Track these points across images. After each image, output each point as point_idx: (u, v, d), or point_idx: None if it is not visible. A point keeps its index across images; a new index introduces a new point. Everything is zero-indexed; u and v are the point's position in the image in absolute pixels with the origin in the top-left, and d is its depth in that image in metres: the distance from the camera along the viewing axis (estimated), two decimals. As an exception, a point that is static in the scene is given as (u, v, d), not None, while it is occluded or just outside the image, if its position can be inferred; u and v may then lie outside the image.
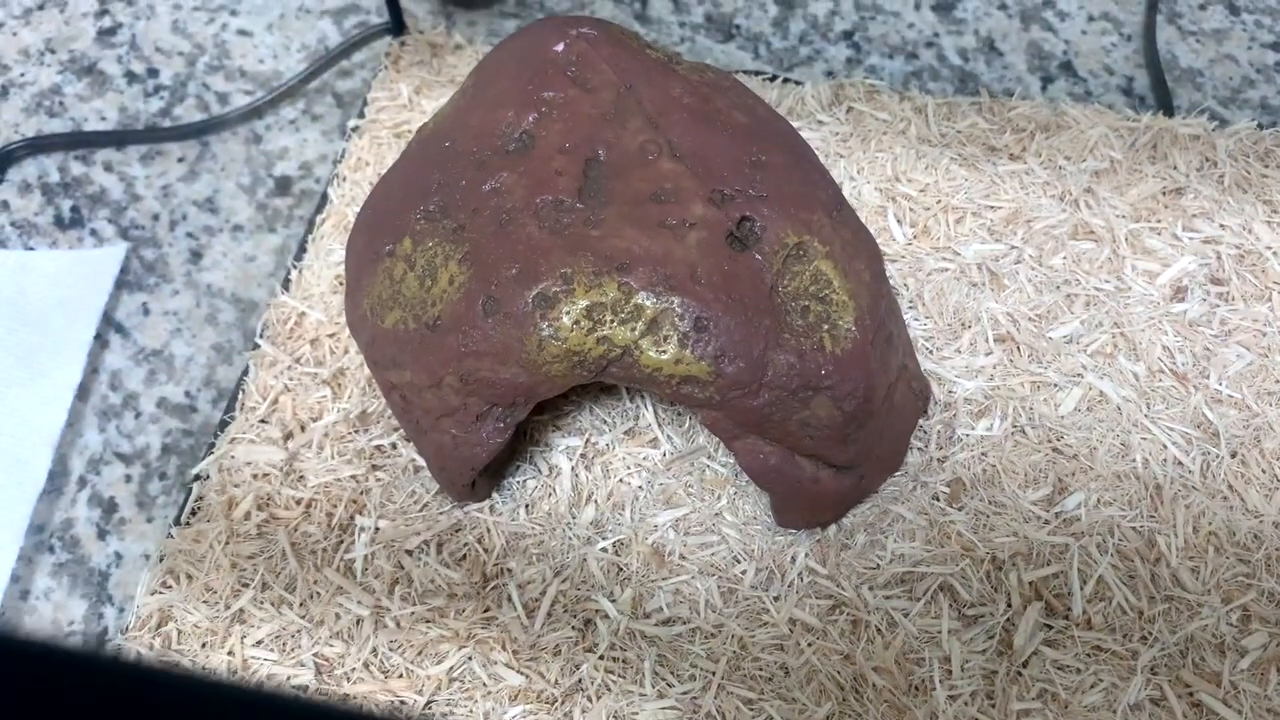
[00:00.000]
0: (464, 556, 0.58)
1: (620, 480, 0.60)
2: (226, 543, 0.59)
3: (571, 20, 0.59)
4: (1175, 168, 0.69)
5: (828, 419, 0.53)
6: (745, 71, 0.79)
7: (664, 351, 0.50)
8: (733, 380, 0.51)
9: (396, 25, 0.80)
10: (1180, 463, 0.59)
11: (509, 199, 0.53)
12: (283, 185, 0.81)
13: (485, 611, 0.56)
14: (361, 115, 0.77)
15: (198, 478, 0.62)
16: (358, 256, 0.57)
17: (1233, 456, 0.59)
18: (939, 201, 0.69)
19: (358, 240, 0.58)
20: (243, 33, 0.90)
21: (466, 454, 0.55)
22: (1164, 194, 0.68)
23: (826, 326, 0.52)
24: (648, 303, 0.50)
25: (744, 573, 0.57)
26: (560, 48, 0.57)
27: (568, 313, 0.50)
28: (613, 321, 0.50)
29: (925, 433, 0.61)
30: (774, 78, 0.76)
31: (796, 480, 0.55)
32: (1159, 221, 0.67)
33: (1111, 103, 0.84)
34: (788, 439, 0.54)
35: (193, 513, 0.60)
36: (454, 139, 0.57)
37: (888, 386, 0.55)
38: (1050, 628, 0.55)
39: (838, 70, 0.87)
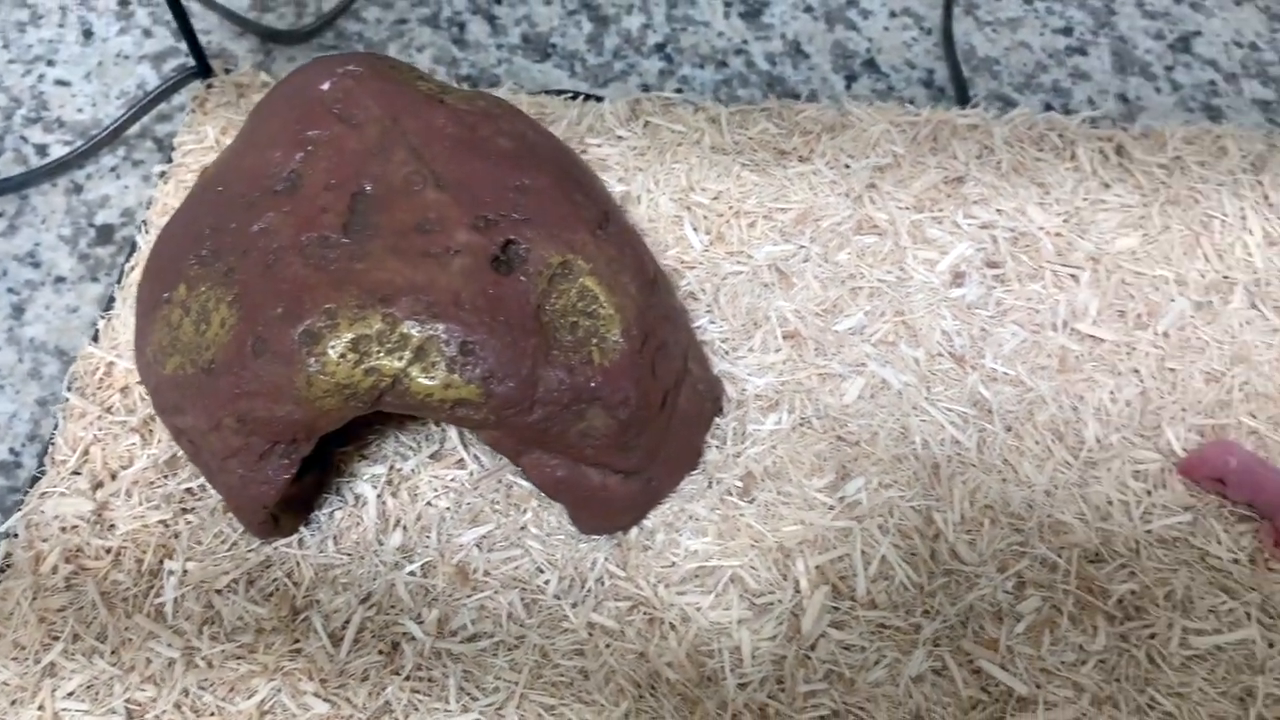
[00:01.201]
0: (273, 592, 0.59)
1: (428, 503, 0.61)
2: (34, 598, 0.59)
3: (338, 59, 0.60)
4: (955, 157, 0.72)
5: (605, 428, 0.55)
6: (551, 91, 0.81)
7: (433, 377, 0.52)
8: (504, 400, 0.52)
9: (202, 68, 0.81)
10: (957, 441, 0.62)
11: (276, 239, 0.54)
12: (104, 234, 0.81)
13: (294, 644, 0.57)
14: (169, 160, 0.78)
15: (5, 535, 0.62)
16: (142, 305, 0.58)
17: (1007, 431, 0.62)
18: (731, 208, 0.71)
19: (143, 289, 0.58)
20: (60, 82, 0.90)
21: (255, 493, 0.56)
22: (945, 184, 0.71)
23: (595, 340, 0.54)
24: (413, 331, 0.51)
25: (547, 582, 0.59)
26: (326, 86, 0.58)
27: (333, 347, 0.51)
28: (380, 352, 0.51)
29: (721, 431, 0.64)
30: (576, 96, 0.78)
31: (585, 489, 0.57)
32: (940, 211, 0.70)
33: (913, 96, 0.88)
34: (570, 450, 0.56)
35: (0, 571, 0.60)
36: (226, 182, 0.58)
37: (664, 392, 0.57)
38: (837, 609, 0.57)
39: (651, 83, 0.89)
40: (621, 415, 0.55)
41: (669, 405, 0.58)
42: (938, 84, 0.88)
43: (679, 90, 0.88)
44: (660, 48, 0.91)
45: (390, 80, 0.59)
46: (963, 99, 0.85)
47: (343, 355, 0.51)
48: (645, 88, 0.88)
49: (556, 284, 0.54)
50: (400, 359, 0.51)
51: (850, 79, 0.89)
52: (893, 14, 0.93)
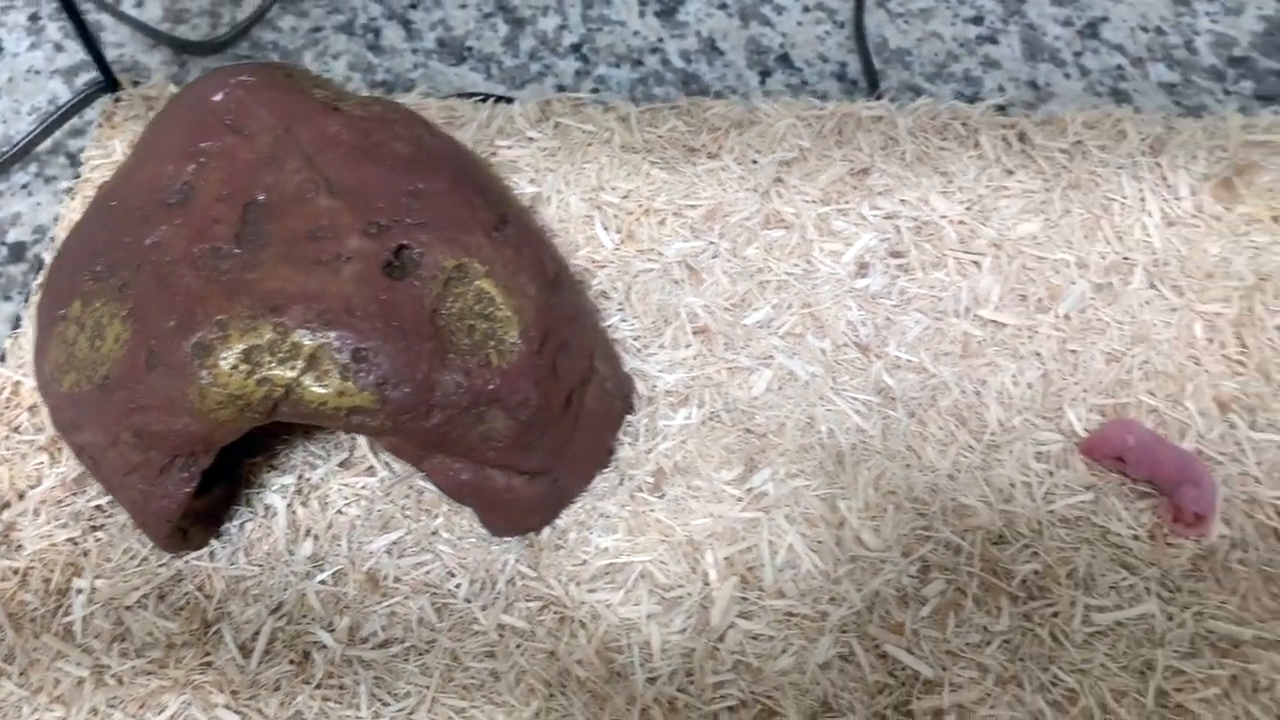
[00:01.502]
0: (184, 606, 0.59)
1: (338, 512, 0.61)
2: (-60, 623, 0.58)
3: (232, 70, 0.60)
4: (860, 149, 0.73)
5: (506, 430, 0.55)
6: (461, 95, 0.81)
7: (326, 386, 0.52)
8: (400, 405, 0.52)
9: (110, 82, 0.80)
10: (862, 429, 0.62)
11: (169, 252, 0.54)
12: (16, 252, 0.80)
13: (205, 657, 0.57)
14: (77, 176, 0.77)
15: (-90, 560, 0.61)
16: (40, 322, 0.58)
17: (911, 417, 0.63)
18: (641, 206, 0.71)
19: (41, 306, 0.58)
20: (-31, 100, 0.89)
21: (157, 507, 0.55)
22: (851, 176, 0.72)
23: (492, 342, 0.54)
24: (305, 340, 0.51)
25: (458, 586, 0.59)
26: (219, 98, 0.58)
27: (225, 358, 0.51)
28: (272, 362, 0.51)
29: (634, 428, 0.64)
30: (486, 98, 0.78)
31: (491, 492, 0.57)
32: (846, 203, 0.71)
33: (827, 90, 0.88)
34: (472, 453, 0.56)
35: (-95, 597, 0.60)
36: (121, 196, 0.57)
37: (568, 392, 0.58)
38: (745, 600, 0.58)
39: (568, 83, 0.89)
40: (522, 416, 0.55)
41: (574, 405, 0.59)
42: (850, 77, 0.89)
43: (595, 90, 0.88)
44: (576, 48, 0.92)
45: (284, 89, 0.59)
46: (874, 91, 0.86)
47: (235, 366, 0.51)
48: (561, 88, 0.88)
49: (452, 287, 0.54)
50: (293, 368, 0.51)
51: (764, 75, 0.89)
52: (806, 9, 0.94)
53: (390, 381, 0.52)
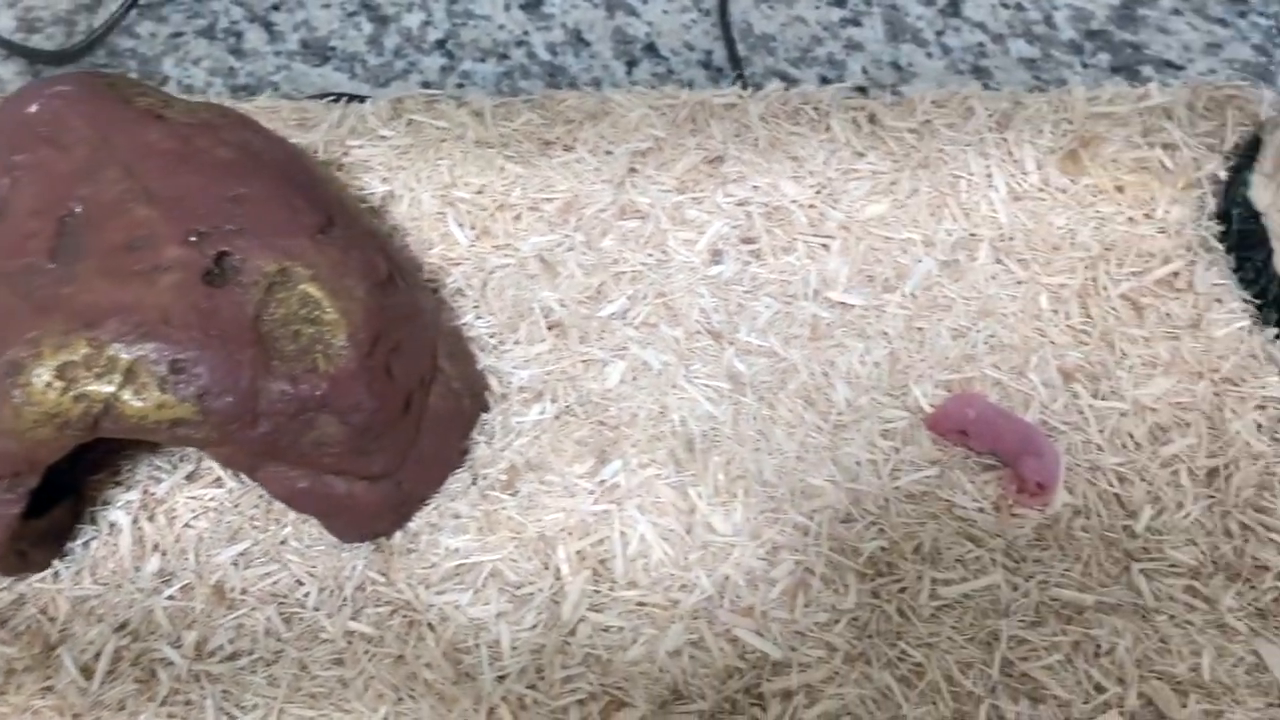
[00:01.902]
0: (25, 630, 0.58)
1: (185, 525, 0.60)
2: None
3: (49, 81, 0.58)
4: (714, 137, 0.73)
5: (339, 435, 0.54)
6: (314, 96, 0.80)
7: (145, 399, 0.51)
8: (224, 415, 0.52)
9: (-51, 96, 0.78)
10: (713, 415, 0.63)
11: (-20, 270, 0.52)
12: None
13: (45, 681, 0.56)
14: (-83, 193, 0.75)
15: None
16: None
17: (760, 401, 0.63)
18: (496, 201, 0.71)
19: None
20: None
21: (-16, 530, 0.54)
22: (705, 164, 0.72)
23: (320, 347, 0.54)
24: (121, 354, 0.50)
25: (306, 595, 0.58)
26: (34, 109, 0.57)
27: (38, 375, 0.50)
28: (88, 378, 0.50)
29: (489, 426, 0.64)
30: (338, 99, 0.78)
31: (331, 499, 0.57)
32: (700, 191, 0.71)
33: (693, 78, 0.89)
34: (307, 461, 0.55)
35: None
36: (-66, 215, 0.56)
37: (406, 394, 0.57)
38: (597, 592, 0.58)
39: (433, 80, 0.88)
40: (355, 421, 0.54)
41: (415, 407, 0.58)
42: (716, 64, 0.89)
43: (460, 85, 0.88)
44: (441, 44, 0.91)
45: (103, 99, 0.58)
46: (739, 78, 0.86)
47: (49, 384, 0.50)
48: (426, 85, 0.88)
49: (275, 293, 0.54)
50: (110, 383, 0.50)
51: (631, 64, 0.89)
52: (672, -3, 0.94)
53: (211, 392, 0.51)
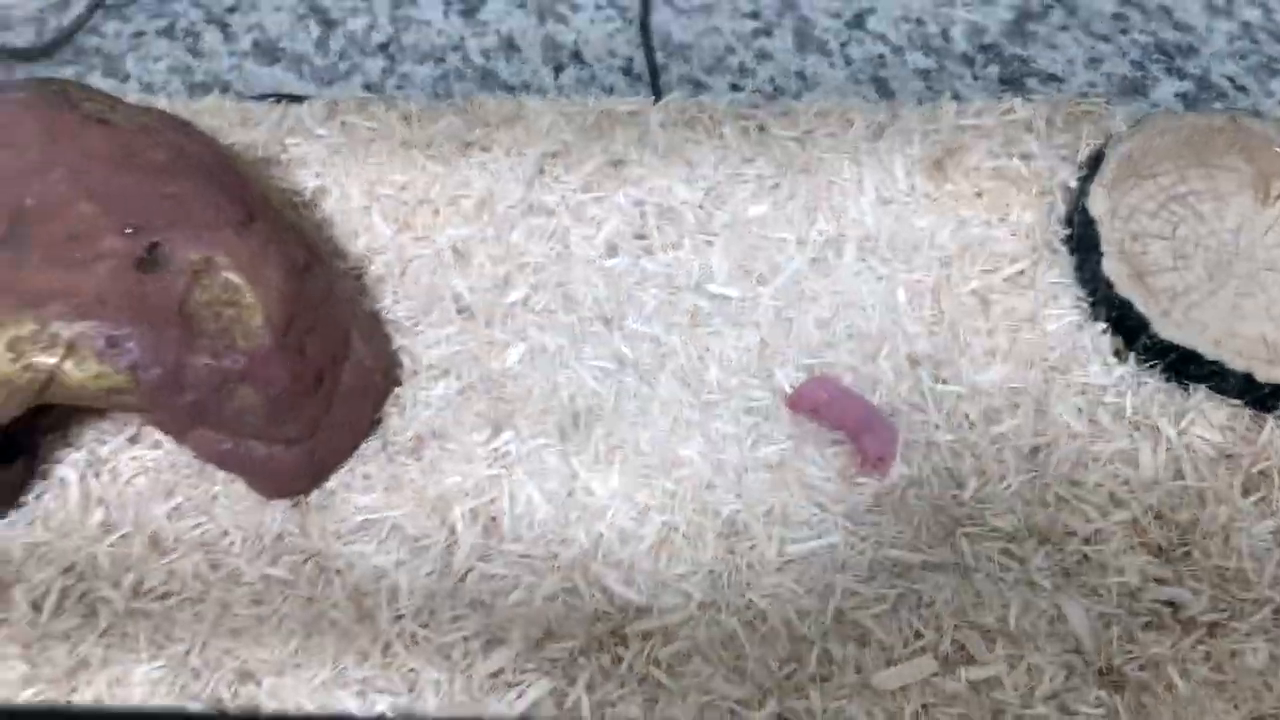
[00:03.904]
0: (-17, 571, 0.66)
1: (127, 482, 0.68)
2: None
3: (4, 87, 0.66)
4: (616, 142, 0.81)
5: (257, 405, 0.62)
6: (267, 96, 0.88)
7: (84, 370, 0.59)
8: (153, 385, 0.60)
9: (-76, 91, 0.86)
10: (598, 393, 0.71)
11: (-58, 255, 0.60)
12: None
13: (0, 615, 0.64)
14: (-106, 181, 0.82)
15: None
16: None
17: (641, 381, 0.71)
18: (417, 196, 0.79)
19: None
20: None
21: (-55, 482, 0.62)
22: (608, 166, 0.80)
23: (239, 327, 0.62)
24: (63, 330, 0.58)
25: (231, 544, 0.66)
26: (-8, 113, 0.65)
27: (-9, 349, 0.58)
28: (34, 350, 0.58)
29: (401, 399, 0.72)
30: (279, 99, 0.85)
31: (252, 460, 0.65)
32: (602, 191, 0.79)
33: (614, 84, 0.96)
34: (229, 426, 0.63)
35: None
36: (-96, 206, 0.63)
37: (318, 370, 0.65)
38: (486, 546, 0.66)
39: (374, 81, 0.96)
40: (271, 393, 0.62)
41: (327, 381, 0.66)
42: (636, 71, 0.97)
43: (399, 88, 0.95)
44: (384, 47, 0.98)
45: (53, 105, 0.65)
46: (655, 85, 0.94)
47: (0, 355, 0.58)
48: (368, 86, 0.95)
49: (200, 279, 0.61)
50: (54, 355, 0.58)
51: (558, 70, 0.97)
52: (599, 6, 1.01)
53: (142, 364, 0.59)
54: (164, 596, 0.65)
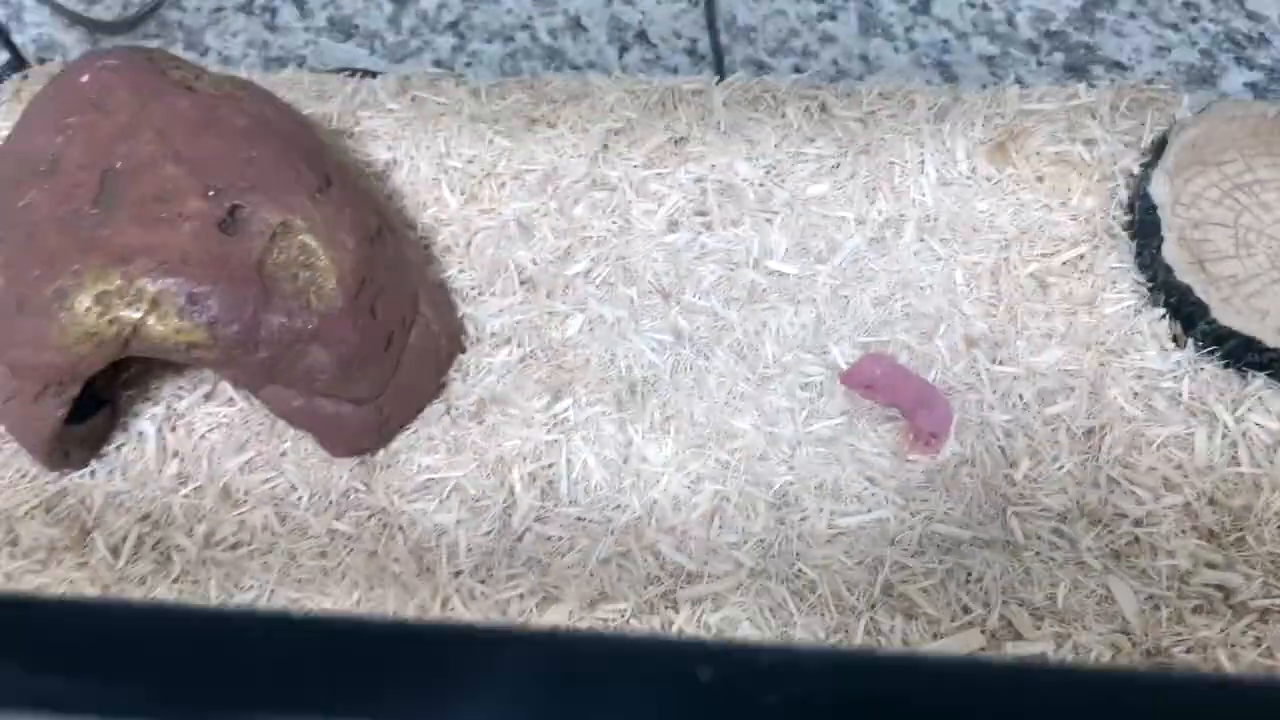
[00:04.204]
0: (66, 516, 0.69)
1: (201, 437, 0.71)
2: None
3: (100, 55, 0.69)
4: (680, 120, 0.82)
5: (328, 364, 0.65)
6: (340, 70, 0.90)
7: (166, 324, 0.61)
8: (230, 341, 0.62)
9: (17, 61, 0.90)
10: (655, 364, 0.72)
11: (37, 213, 0.63)
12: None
13: (81, 558, 0.67)
14: (-12, 145, 0.86)
15: None
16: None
17: (697, 354, 0.73)
18: (484, 170, 0.81)
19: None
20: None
21: (34, 428, 0.65)
22: (671, 144, 0.82)
23: (313, 289, 0.64)
24: (148, 286, 0.61)
25: (299, 498, 0.69)
26: (86, 79, 0.68)
27: (80, 302, 0.61)
28: (120, 305, 0.61)
29: (464, 366, 0.74)
30: (354, 73, 0.88)
31: (322, 417, 0.67)
32: (664, 168, 0.81)
33: (678, 64, 0.97)
34: (300, 383, 0.66)
35: None
36: (1, 166, 0.67)
37: (388, 332, 0.67)
38: (543, 508, 0.68)
39: (444, 58, 0.98)
40: (341, 352, 0.65)
41: (395, 344, 0.69)
42: (700, 52, 0.98)
43: (469, 64, 0.98)
44: (454, 25, 1.00)
45: (144, 72, 0.68)
46: (719, 66, 0.95)
47: (88, 309, 0.61)
48: (438, 63, 0.98)
49: (277, 241, 0.64)
50: (138, 310, 0.61)
51: (623, 50, 0.98)
52: (666, -12, 1.02)
53: (221, 321, 0.62)
54: (234, 546, 0.68)
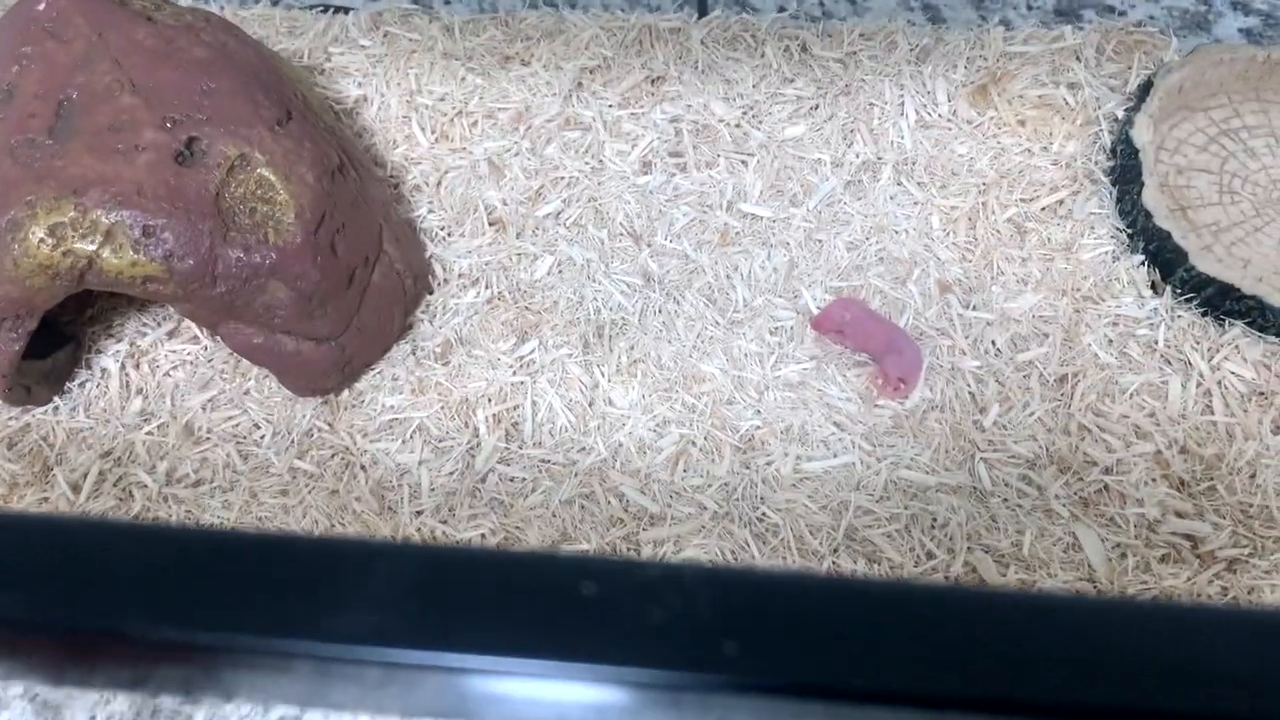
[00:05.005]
0: (29, 452, 0.69)
1: (165, 374, 0.71)
2: None
3: (56, -19, 0.68)
4: (657, 59, 0.81)
5: (287, 299, 0.64)
6: (313, 5, 0.89)
7: (121, 257, 0.60)
8: (186, 275, 0.61)
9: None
10: (624, 306, 0.71)
11: (-9, 143, 0.62)
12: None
13: (42, 494, 0.67)
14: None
15: None
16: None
17: (667, 297, 0.71)
18: (455, 108, 0.79)
19: (-106, 192, 0.67)
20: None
21: (-9, 362, 0.65)
22: (647, 83, 0.80)
23: (271, 223, 0.63)
24: (102, 218, 0.60)
25: (262, 436, 0.68)
26: (42, 7, 0.66)
27: (33, 233, 0.60)
28: (74, 237, 0.60)
29: (432, 306, 0.73)
30: (326, 9, 0.86)
31: (281, 354, 0.66)
32: (639, 108, 0.79)
33: (660, 4, 0.95)
34: (259, 319, 0.65)
35: None
36: (-43, 95, 0.66)
37: (350, 269, 0.66)
38: (507, 449, 0.67)
39: (422, -5, 0.96)
40: (300, 288, 0.64)
41: (357, 282, 0.68)
42: (683, -10, 0.96)
43: (446, 2, 0.96)
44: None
45: (102, 1, 0.67)
46: (701, 3, 0.93)
47: (42, 240, 0.60)
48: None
49: (235, 174, 0.63)
50: (92, 242, 0.60)
51: (606, -12, 0.96)
52: (649, -74, 1.00)
53: (176, 254, 0.61)
54: (196, 484, 0.67)
